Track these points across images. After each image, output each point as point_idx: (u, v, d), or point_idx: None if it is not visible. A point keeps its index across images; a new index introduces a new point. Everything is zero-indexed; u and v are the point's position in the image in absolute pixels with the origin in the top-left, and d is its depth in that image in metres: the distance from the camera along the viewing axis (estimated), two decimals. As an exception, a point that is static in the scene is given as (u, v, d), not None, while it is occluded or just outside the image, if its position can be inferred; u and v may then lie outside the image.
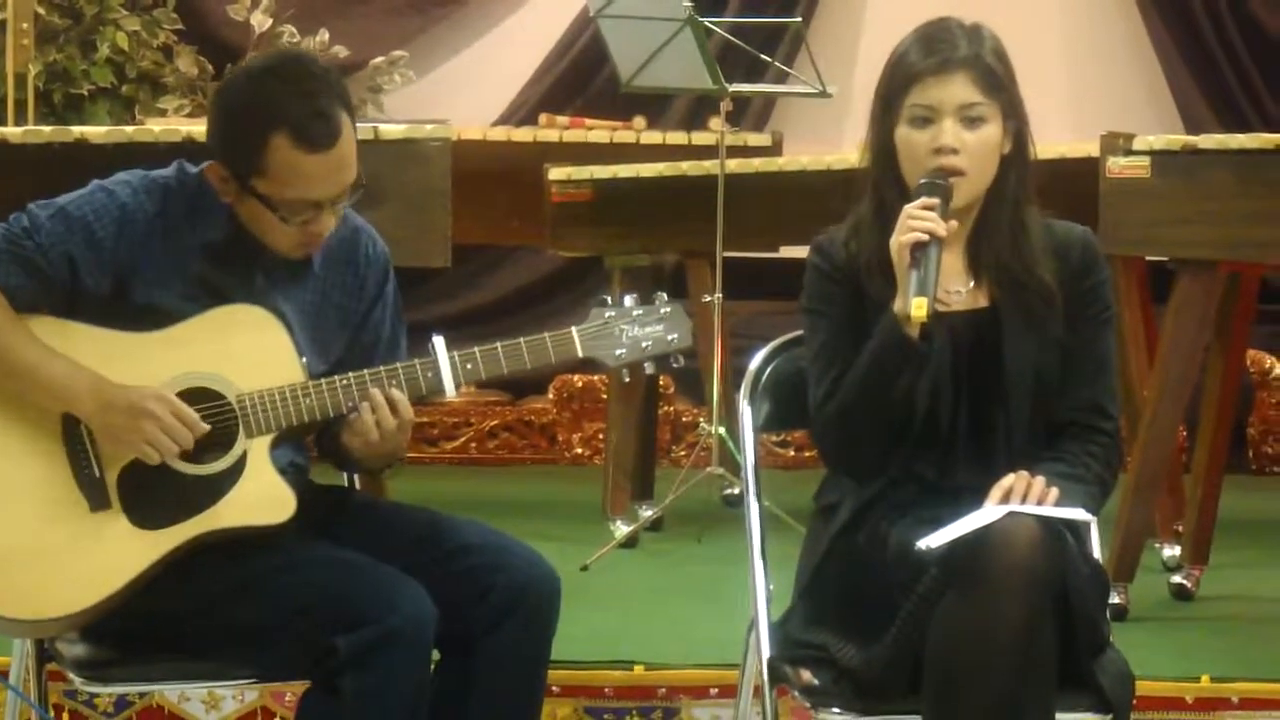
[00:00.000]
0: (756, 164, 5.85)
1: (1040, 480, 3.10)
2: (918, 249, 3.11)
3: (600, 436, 7.22)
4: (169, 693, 4.08)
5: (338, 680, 3.02)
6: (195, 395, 3.14)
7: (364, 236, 3.36)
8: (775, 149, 6.30)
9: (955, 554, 2.98)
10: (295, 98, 3.09)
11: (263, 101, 3.11)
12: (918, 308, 3.08)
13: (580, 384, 7.53)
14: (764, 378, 3.46)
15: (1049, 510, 3.05)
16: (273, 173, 3.10)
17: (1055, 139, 5.45)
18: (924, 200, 3.13)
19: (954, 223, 3.15)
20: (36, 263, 3.13)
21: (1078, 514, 3.09)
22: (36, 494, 3.09)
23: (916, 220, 3.11)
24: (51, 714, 3.37)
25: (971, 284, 3.26)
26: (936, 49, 3.18)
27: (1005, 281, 3.23)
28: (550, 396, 7.58)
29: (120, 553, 3.07)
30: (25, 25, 6.83)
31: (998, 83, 3.19)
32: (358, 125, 3.20)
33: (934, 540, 2.99)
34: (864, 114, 3.30)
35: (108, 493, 3.11)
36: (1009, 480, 3.10)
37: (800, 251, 3.42)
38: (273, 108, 3.09)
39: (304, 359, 3.20)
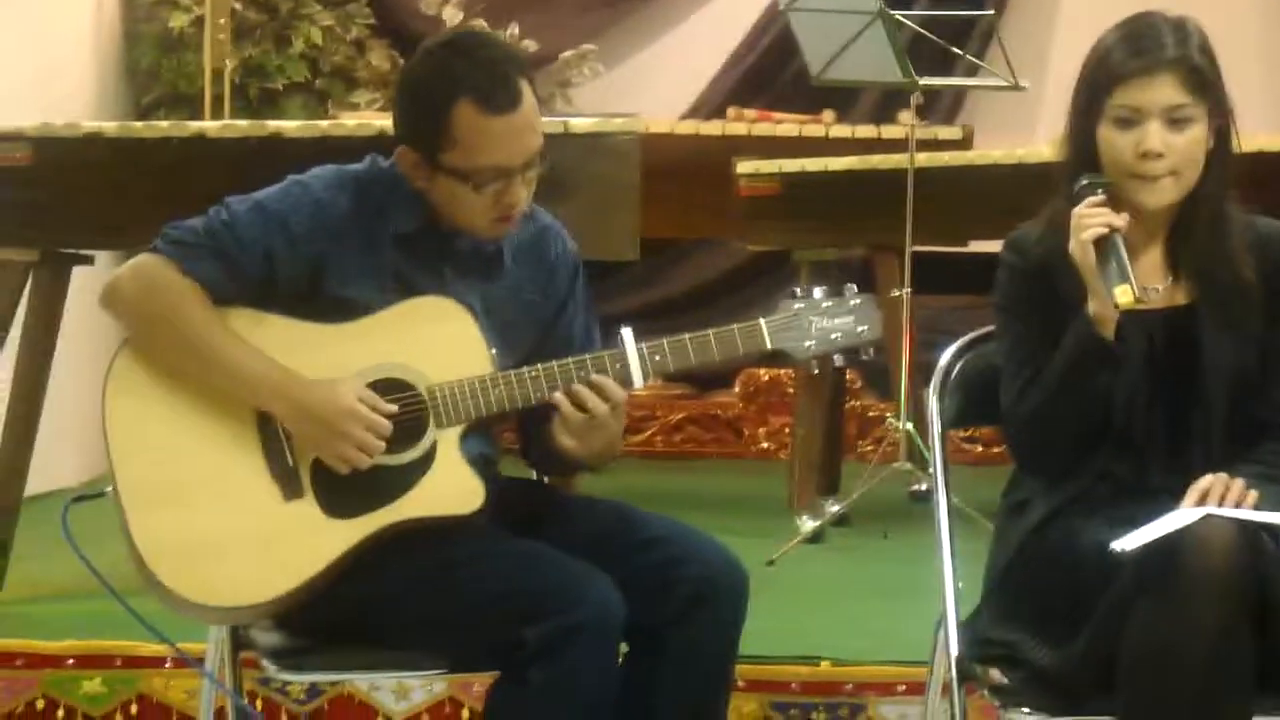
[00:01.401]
0: (946, 157, 5.81)
1: (1239, 482, 3.05)
2: (1101, 243, 3.07)
3: (786, 430, 7.22)
4: (360, 682, 4.12)
5: (526, 671, 3.03)
6: (386, 386, 3.17)
7: (552, 234, 3.38)
8: (966, 142, 6.27)
9: (1150, 557, 2.92)
10: (475, 66, 3.13)
11: (443, 74, 3.15)
12: (1122, 294, 3.04)
13: (766, 378, 7.53)
14: (953, 373, 3.43)
15: (1248, 513, 2.99)
16: (460, 140, 3.13)
17: (1253, 129, 5.35)
18: (1090, 200, 3.09)
19: (1125, 214, 3.10)
20: (234, 257, 3.17)
21: (1278, 518, 3.03)
22: (231, 483, 3.13)
23: (1090, 218, 3.07)
24: (245, 700, 3.41)
25: (1169, 281, 3.20)
26: (1143, 49, 3.11)
27: (1204, 279, 3.17)
28: (736, 390, 7.58)
29: (313, 542, 3.11)
30: (222, 21, 6.94)
31: (1204, 82, 3.12)
32: (547, 119, 3.22)
33: (1128, 542, 2.94)
34: (1058, 107, 3.26)
35: (301, 482, 3.14)
36: (1206, 481, 3.05)
37: (990, 246, 3.39)
38: (454, 77, 3.13)
39: (493, 350, 3.22)
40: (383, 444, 3.12)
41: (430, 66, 3.19)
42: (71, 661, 4.28)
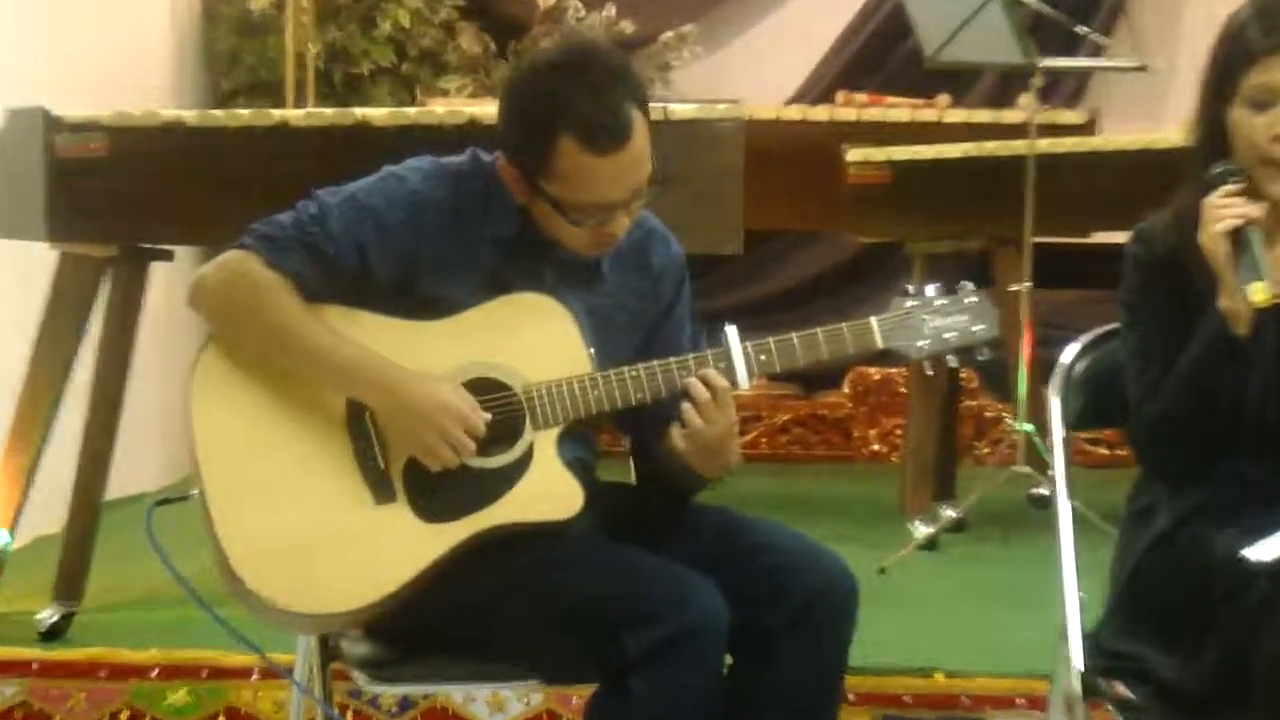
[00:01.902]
0: (1069, 143, 5.80)
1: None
2: (1235, 235, 3.05)
3: (898, 432, 7.23)
4: (454, 693, 4.15)
5: (628, 679, 3.04)
6: (481, 385, 3.20)
7: (656, 239, 3.40)
8: (1090, 127, 6.25)
9: (1286, 563, 2.92)
10: (583, 95, 3.12)
11: (549, 100, 3.14)
12: (1256, 293, 3.01)
13: (877, 377, 7.54)
14: (1076, 372, 3.43)
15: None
16: (561, 176, 3.15)
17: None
18: (1225, 189, 3.08)
19: (1263, 204, 3.09)
20: (327, 251, 3.20)
21: None
22: (321, 485, 3.16)
23: (1224, 208, 3.06)
24: (337, 712, 3.44)
25: (1308, 276, 3.18)
26: (1278, 24, 3.10)
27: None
28: (845, 390, 7.59)
29: (405, 547, 3.14)
30: (305, 3, 6.98)
31: (1348, 61, 3.09)
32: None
33: (1263, 550, 2.93)
34: (1188, 90, 3.24)
35: (393, 485, 3.18)
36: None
37: (1115, 238, 3.39)
38: (559, 107, 3.12)
39: (591, 350, 3.25)
40: (474, 444, 3.16)
41: (535, 88, 3.18)
42: (156, 672, 4.32)
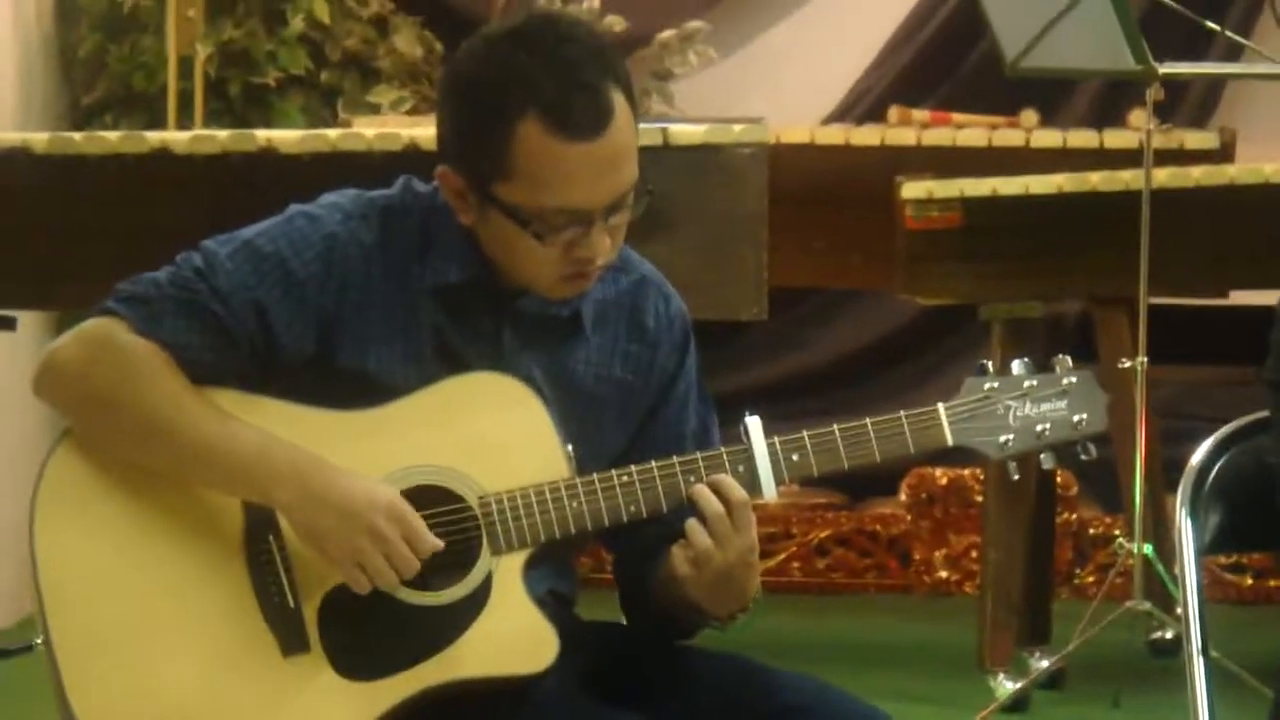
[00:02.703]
0: (1197, 175, 5.81)
1: None
2: None
3: (973, 555, 7.21)
4: None
5: None
6: (424, 496, 3.18)
7: (651, 290, 3.39)
8: (1224, 153, 6.25)
9: None
10: (549, 67, 3.13)
11: (505, 75, 3.14)
12: None
13: (945, 481, 7.53)
14: (1211, 476, 3.42)
15: None
16: (521, 171, 3.14)
17: None
18: None
19: None
20: (215, 314, 3.19)
21: None
22: (210, 632, 3.14)
23: None
24: None
25: None
26: None
27: None
28: (902, 498, 7.59)
29: (322, 716, 3.12)
30: (192, -7, 7.01)
31: None
32: (640, 125, 3.22)
33: None
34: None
35: (305, 630, 3.15)
36: None
37: (1260, 298, 3.38)
38: (519, 83, 3.12)
39: (569, 447, 3.23)
40: (417, 561, 3.13)
41: (487, 64, 3.18)
42: None
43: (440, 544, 3.14)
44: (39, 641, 3.15)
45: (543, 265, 3.19)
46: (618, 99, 3.15)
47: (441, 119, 3.24)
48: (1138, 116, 5.88)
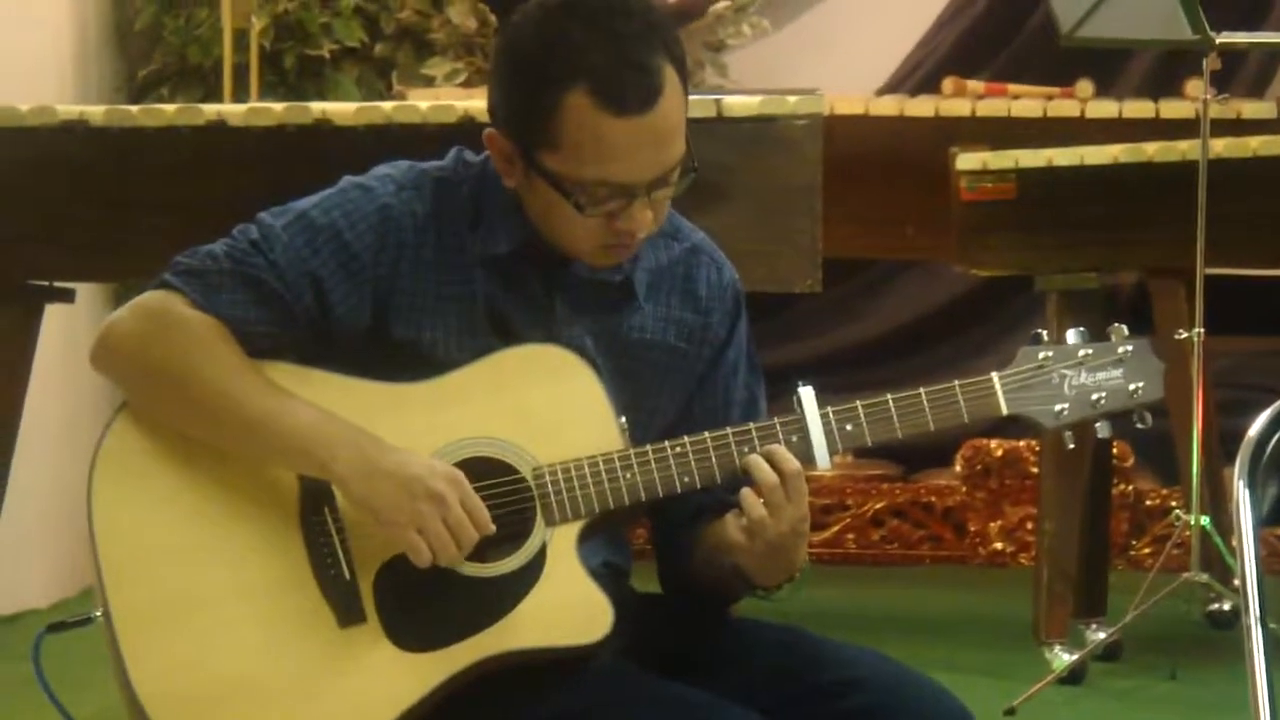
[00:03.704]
0: (1255, 145, 5.79)
1: None
2: None
3: (1029, 526, 7.22)
4: None
5: None
6: (478, 468, 3.18)
7: (703, 259, 3.39)
8: (1282, 123, 6.24)
9: None
10: (599, 40, 3.12)
11: (555, 46, 3.14)
12: None
13: (1000, 452, 7.52)
14: (1270, 447, 3.41)
15: None
16: (567, 142, 3.14)
17: None
18: None
19: None
20: (271, 286, 3.20)
21: None
22: (268, 604, 3.15)
23: None
24: None
25: None
26: None
27: None
28: (957, 469, 7.59)
29: (379, 685, 3.12)
30: (247, -34, 7.01)
31: None
32: (693, 97, 3.22)
33: None
34: None
35: (361, 602, 3.16)
36: None
37: (1320, 269, 3.37)
38: (569, 53, 3.13)
39: (622, 419, 3.23)
40: (475, 534, 3.14)
41: (540, 34, 3.18)
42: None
43: (493, 528, 3.14)
44: (98, 614, 3.16)
45: (583, 234, 3.20)
46: (668, 75, 3.15)
47: (492, 85, 3.25)
48: (1194, 86, 5.86)
